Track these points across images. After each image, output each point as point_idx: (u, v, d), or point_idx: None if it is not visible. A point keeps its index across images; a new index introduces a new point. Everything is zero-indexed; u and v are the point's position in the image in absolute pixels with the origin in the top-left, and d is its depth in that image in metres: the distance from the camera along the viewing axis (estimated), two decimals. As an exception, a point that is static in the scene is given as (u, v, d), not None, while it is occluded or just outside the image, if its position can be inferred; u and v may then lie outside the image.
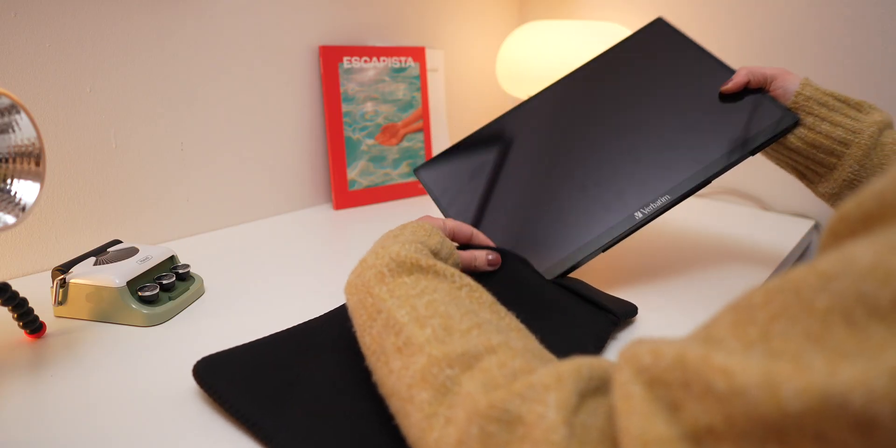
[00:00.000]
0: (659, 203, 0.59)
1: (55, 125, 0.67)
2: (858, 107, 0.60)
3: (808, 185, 0.66)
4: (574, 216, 0.61)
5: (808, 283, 0.23)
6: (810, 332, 0.22)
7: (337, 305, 0.58)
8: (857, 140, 0.58)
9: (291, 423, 0.42)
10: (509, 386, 0.31)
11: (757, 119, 0.60)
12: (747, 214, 0.99)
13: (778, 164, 0.67)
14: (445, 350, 0.35)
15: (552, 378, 0.30)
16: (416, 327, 0.38)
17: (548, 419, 0.28)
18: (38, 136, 0.47)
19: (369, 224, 0.89)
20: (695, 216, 0.97)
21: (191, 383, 0.49)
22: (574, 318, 0.55)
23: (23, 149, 0.47)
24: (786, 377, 0.21)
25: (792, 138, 0.61)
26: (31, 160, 0.48)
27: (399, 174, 1.02)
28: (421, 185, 1.04)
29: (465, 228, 0.57)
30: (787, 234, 0.89)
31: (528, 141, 0.68)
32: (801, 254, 0.99)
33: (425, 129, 1.04)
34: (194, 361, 0.52)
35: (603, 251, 0.58)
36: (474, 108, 1.23)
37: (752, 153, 0.60)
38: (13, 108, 0.46)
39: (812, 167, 0.62)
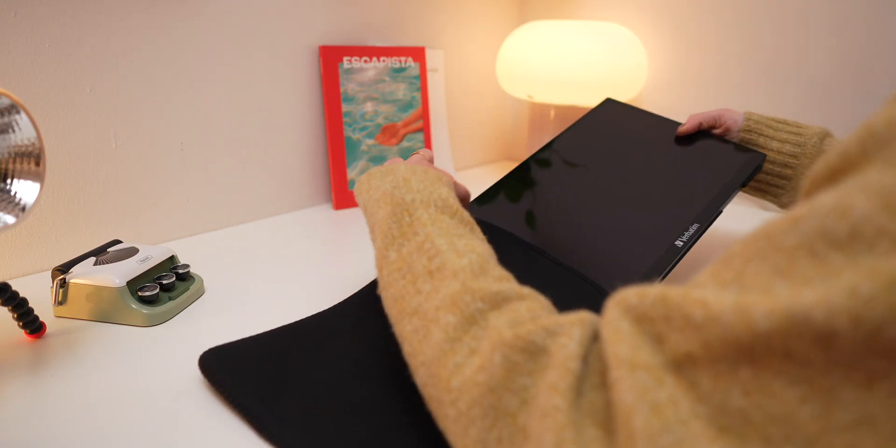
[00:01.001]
0: (687, 234, 0.59)
1: (55, 125, 0.67)
2: (797, 125, 0.69)
3: (771, 201, 0.72)
4: (623, 252, 0.60)
5: (779, 227, 0.26)
6: (778, 268, 0.25)
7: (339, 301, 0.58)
8: (803, 151, 0.66)
9: (287, 415, 0.43)
10: (535, 321, 0.33)
11: (732, 163, 0.66)
12: (747, 214, 0.99)
13: (744, 190, 0.72)
14: (480, 285, 0.37)
15: (576, 318, 0.32)
16: (453, 255, 0.39)
17: (570, 349, 0.29)
18: (38, 136, 0.47)
19: (369, 224, 0.89)
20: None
21: (190, 383, 0.49)
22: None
23: (23, 149, 0.47)
24: (756, 302, 0.23)
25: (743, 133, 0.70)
26: (31, 160, 0.48)
27: (399, 174, 1.02)
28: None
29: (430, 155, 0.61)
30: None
31: (551, 192, 0.68)
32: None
33: (425, 129, 1.04)
34: (194, 361, 0.52)
35: (662, 279, 0.57)
36: (474, 108, 1.23)
37: (743, 186, 0.65)
38: (13, 108, 0.46)
39: (772, 182, 0.69)
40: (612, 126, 0.75)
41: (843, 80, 0.90)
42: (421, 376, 0.37)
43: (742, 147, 0.68)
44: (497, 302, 0.36)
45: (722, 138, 0.70)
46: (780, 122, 0.69)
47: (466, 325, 0.35)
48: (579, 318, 0.32)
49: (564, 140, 0.74)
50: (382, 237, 0.44)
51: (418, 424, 0.41)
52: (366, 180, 0.52)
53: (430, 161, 0.59)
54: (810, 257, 0.24)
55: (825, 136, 0.67)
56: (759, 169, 0.65)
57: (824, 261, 0.23)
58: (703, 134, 0.70)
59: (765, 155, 0.66)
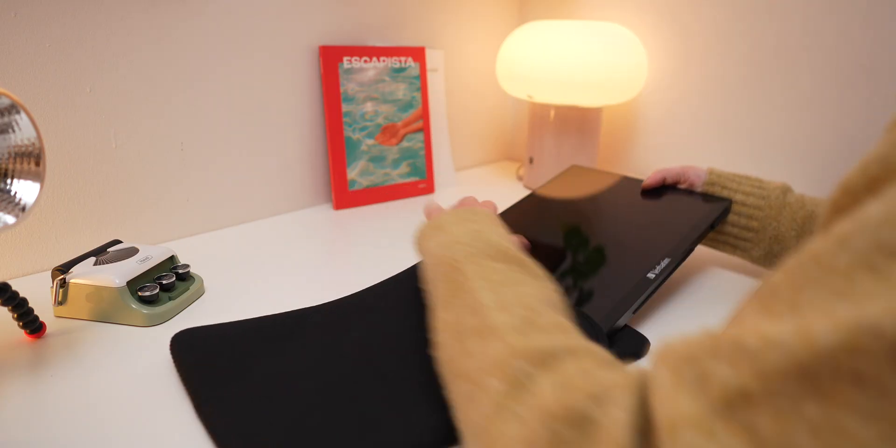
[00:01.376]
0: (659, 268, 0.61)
1: (55, 125, 0.67)
2: (759, 180, 0.70)
3: (743, 256, 0.71)
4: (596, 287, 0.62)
5: (826, 249, 0.23)
6: (837, 290, 0.22)
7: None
8: (767, 202, 0.67)
9: (227, 400, 0.44)
10: (584, 387, 0.30)
11: (699, 208, 0.69)
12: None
13: (716, 247, 0.73)
14: (525, 343, 0.34)
15: (627, 380, 0.29)
16: (497, 312, 0.38)
17: (620, 419, 0.27)
18: (38, 136, 0.47)
19: (369, 224, 0.89)
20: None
21: (191, 383, 0.49)
22: None
23: (23, 149, 0.47)
24: (817, 322, 0.21)
25: (707, 186, 0.71)
26: (31, 160, 0.48)
27: (399, 174, 1.02)
28: (421, 186, 1.04)
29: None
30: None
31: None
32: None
33: (425, 129, 1.04)
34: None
35: (633, 312, 0.58)
36: (474, 108, 1.23)
37: (712, 228, 0.67)
38: (13, 108, 0.46)
39: (740, 236, 0.69)
40: (580, 185, 0.80)
41: (846, 79, 0.90)
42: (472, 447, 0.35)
43: (708, 196, 0.71)
44: (544, 361, 0.33)
45: (687, 190, 0.73)
46: (742, 177, 0.71)
47: (513, 390, 0.32)
48: (630, 380, 0.29)
49: (539, 195, 0.79)
50: (437, 297, 0.44)
51: (353, 424, 0.42)
52: (420, 242, 0.53)
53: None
54: (870, 273, 0.22)
55: (787, 190, 0.68)
56: (727, 212, 0.68)
57: (886, 274, 0.21)
58: (669, 188, 0.75)
59: (731, 199, 0.69)
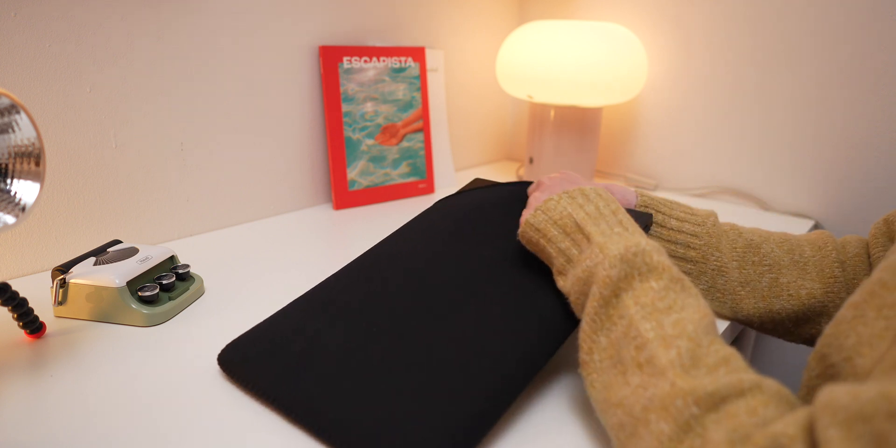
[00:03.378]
0: None
1: (55, 125, 0.67)
2: (688, 206, 0.63)
3: None
4: None
5: None
6: None
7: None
8: (704, 230, 0.60)
9: (306, 391, 0.44)
10: (754, 439, 0.29)
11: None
12: (747, 214, 0.99)
13: None
14: (692, 384, 0.34)
15: (797, 428, 0.28)
16: (660, 347, 0.37)
17: None
18: (38, 136, 0.47)
19: (369, 224, 0.89)
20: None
21: (190, 383, 0.49)
22: None
23: (23, 149, 0.47)
24: None
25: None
26: (31, 160, 0.48)
27: (399, 174, 1.02)
28: (421, 186, 1.04)
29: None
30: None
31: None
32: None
33: (425, 129, 1.04)
34: (194, 361, 0.52)
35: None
36: (474, 108, 1.23)
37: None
38: (13, 108, 0.46)
39: (681, 268, 0.61)
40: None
41: (847, 79, 0.90)
42: None
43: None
44: (714, 404, 0.32)
45: None
46: (671, 202, 0.64)
47: (681, 433, 0.32)
48: (798, 427, 0.28)
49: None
50: (590, 321, 0.42)
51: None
52: (547, 235, 0.49)
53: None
54: None
55: (716, 217, 0.62)
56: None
57: None
58: None
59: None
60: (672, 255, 0.61)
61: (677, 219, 0.61)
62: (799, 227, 0.93)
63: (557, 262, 0.49)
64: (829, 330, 0.38)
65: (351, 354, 0.47)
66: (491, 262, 0.55)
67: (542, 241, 0.50)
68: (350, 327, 0.49)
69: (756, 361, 1.09)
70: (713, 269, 0.60)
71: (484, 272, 0.54)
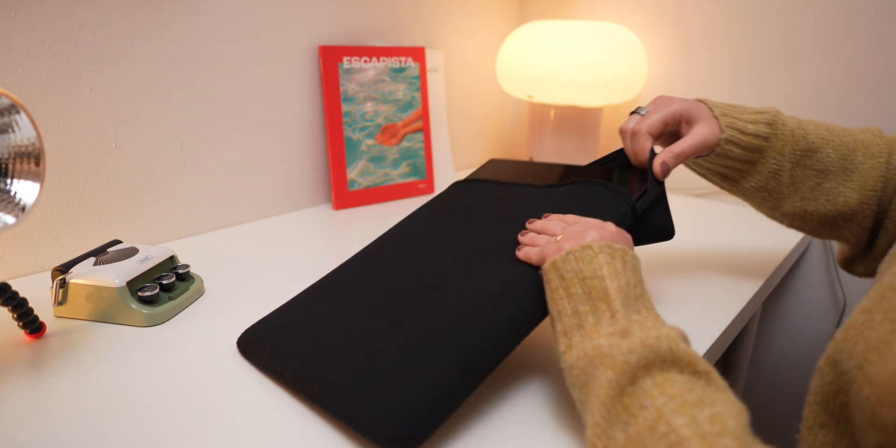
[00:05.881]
0: None
1: (55, 125, 0.67)
2: (751, 108, 0.61)
3: (727, 186, 0.64)
4: None
5: None
6: None
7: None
8: (773, 132, 0.59)
9: (308, 362, 0.47)
10: None
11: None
12: (747, 214, 0.99)
13: (701, 172, 0.65)
14: None
15: None
16: (702, 447, 0.31)
17: None
18: (38, 136, 0.47)
19: (369, 224, 0.89)
20: (695, 216, 0.97)
21: (190, 383, 0.49)
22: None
23: (23, 149, 0.47)
24: None
25: (724, 144, 0.59)
26: (31, 160, 0.48)
27: (399, 174, 1.02)
28: (421, 186, 1.04)
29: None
30: (787, 233, 0.89)
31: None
32: (802, 253, 0.99)
33: (425, 129, 1.04)
34: (194, 361, 0.52)
35: None
36: (474, 108, 1.23)
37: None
38: (13, 108, 0.46)
39: (737, 167, 0.61)
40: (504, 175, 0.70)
41: (847, 79, 0.90)
42: None
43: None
44: None
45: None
46: (738, 106, 0.61)
47: None
48: None
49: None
50: (604, 413, 0.36)
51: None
52: (564, 313, 0.43)
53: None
54: None
55: (782, 116, 0.60)
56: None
57: None
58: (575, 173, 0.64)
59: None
60: (735, 158, 0.60)
61: (751, 122, 0.59)
62: (799, 227, 0.93)
63: (566, 321, 0.43)
64: (839, 335, 0.37)
65: (349, 329, 0.49)
66: (490, 244, 0.56)
67: (560, 291, 0.44)
68: (350, 307, 0.52)
69: (756, 361, 1.09)
70: (770, 171, 0.60)
71: (482, 252, 0.55)
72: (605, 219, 0.52)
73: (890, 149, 0.60)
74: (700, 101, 0.61)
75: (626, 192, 0.57)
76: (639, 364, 0.36)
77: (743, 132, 0.59)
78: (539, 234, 0.52)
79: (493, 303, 0.47)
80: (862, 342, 0.34)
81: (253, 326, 0.55)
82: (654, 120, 0.59)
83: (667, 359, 0.37)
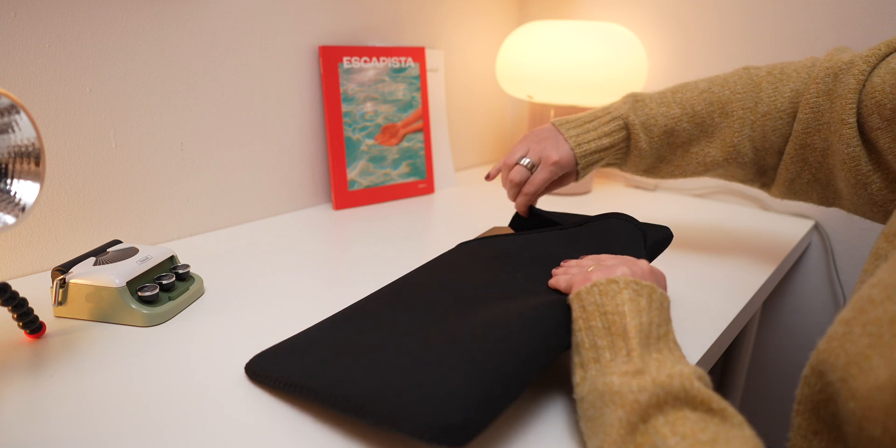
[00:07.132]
0: None
1: (55, 125, 0.67)
2: (597, 109, 0.73)
3: (619, 166, 0.76)
4: None
5: None
6: None
7: (345, 305, 0.58)
8: (629, 133, 0.71)
9: (334, 376, 0.45)
10: None
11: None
12: (747, 214, 0.99)
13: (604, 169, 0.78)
14: None
15: None
16: None
17: None
18: (38, 136, 0.47)
19: (369, 224, 0.89)
20: (695, 216, 0.97)
21: (190, 384, 0.49)
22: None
23: (23, 149, 0.47)
24: None
25: (581, 169, 0.72)
26: (31, 160, 0.48)
27: (399, 174, 1.02)
28: (421, 186, 1.04)
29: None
30: (787, 234, 0.89)
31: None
32: (801, 254, 0.99)
33: (425, 130, 1.04)
34: (194, 361, 0.52)
35: None
36: (474, 108, 1.23)
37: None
38: (13, 108, 0.46)
39: (612, 162, 0.75)
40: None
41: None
42: None
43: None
44: None
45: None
46: (586, 122, 0.72)
47: None
48: None
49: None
50: (608, 443, 0.36)
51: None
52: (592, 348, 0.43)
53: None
54: None
55: (629, 109, 0.70)
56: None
57: None
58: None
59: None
60: (605, 162, 0.73)
61: (606, 135, 0.70)
62: (799, 228, 0.93)
63: (584, 353, 0.43)
64: (821, 345, 0.37)
65: (382, 346, 0.48)
66: (518, 280, 0.56)
67: (580, 322, 0.45)
68: (380, 329, 0.51)
69: (756, 361, 1.09)
70: (638, 158, 0.72)
71: (515, 284, 0.56)
72: (635, 247, 0.58)
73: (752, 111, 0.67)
74: (558, 127, 0.72)
75: (635, 219, 0.64)
76: (650, 403, 0.36)
77: (597, 151, 0.71)
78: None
79: (527, 326, 0.46)
80: (843, 355, 0.34)
81: (266, 351, 0.51)
82: (540, 183, 0.71)
83: (679, 397, 0.36)
